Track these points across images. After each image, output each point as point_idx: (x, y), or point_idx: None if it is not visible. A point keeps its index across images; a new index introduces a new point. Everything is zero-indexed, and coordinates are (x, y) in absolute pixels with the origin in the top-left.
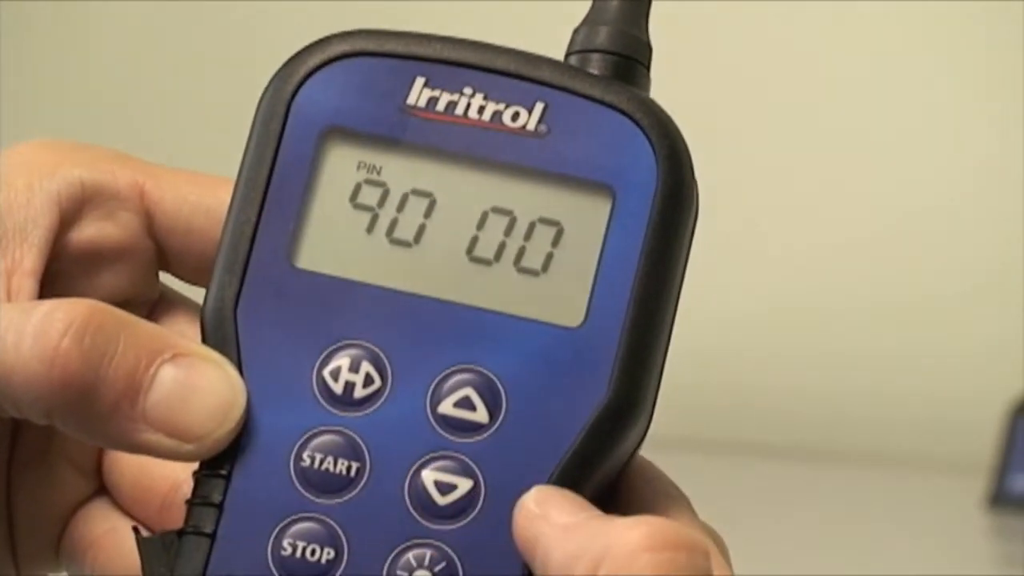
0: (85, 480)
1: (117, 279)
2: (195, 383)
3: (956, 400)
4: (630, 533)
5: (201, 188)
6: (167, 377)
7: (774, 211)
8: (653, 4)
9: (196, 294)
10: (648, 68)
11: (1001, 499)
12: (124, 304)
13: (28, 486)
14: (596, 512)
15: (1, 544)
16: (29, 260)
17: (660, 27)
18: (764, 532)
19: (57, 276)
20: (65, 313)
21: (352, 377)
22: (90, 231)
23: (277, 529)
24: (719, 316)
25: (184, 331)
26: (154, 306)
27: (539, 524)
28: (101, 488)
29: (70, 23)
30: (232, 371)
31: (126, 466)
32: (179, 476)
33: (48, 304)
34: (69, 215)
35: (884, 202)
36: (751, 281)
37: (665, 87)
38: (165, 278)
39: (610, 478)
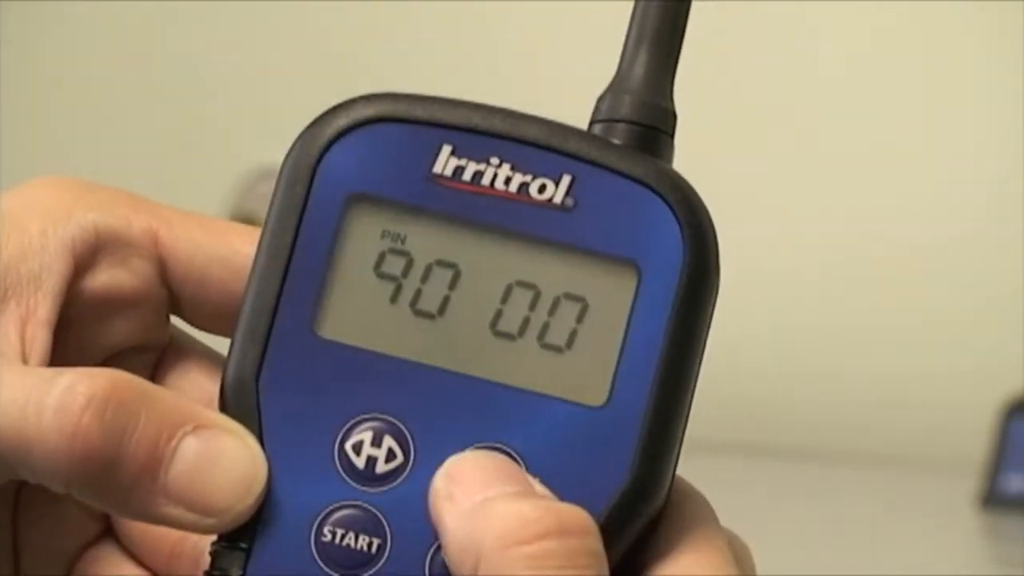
0: (93, 521)
1: (129, 326)
2: (216, 456)
3: (949, 400)
4: (501, 525)
5: (215, 236)
6: (188, 450)
7: (776, 232)
8: None
9: (205, 338)
10: (672, 136)
11: (994, 499)
12: (135, 350)
13: (36, 524)
14: (511, 485)
15: None
16: (43, 309)
17: None
18: (758, 531)
19: (70, 323)
20: (86, 387)
21: (374, 452)
22: (104, 278)
23: None
24: (726, 331)
25: (195, 377)
26: (164, 351)
27: (442, 506)
28: (109, 529)
29: (70, 23)
30: (253, 443)
31: None
32: None
33: (69, 376)
34: (83, 262)
35: (880, 211)
36: (757, 297)
37: None
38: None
39: (631, 545)
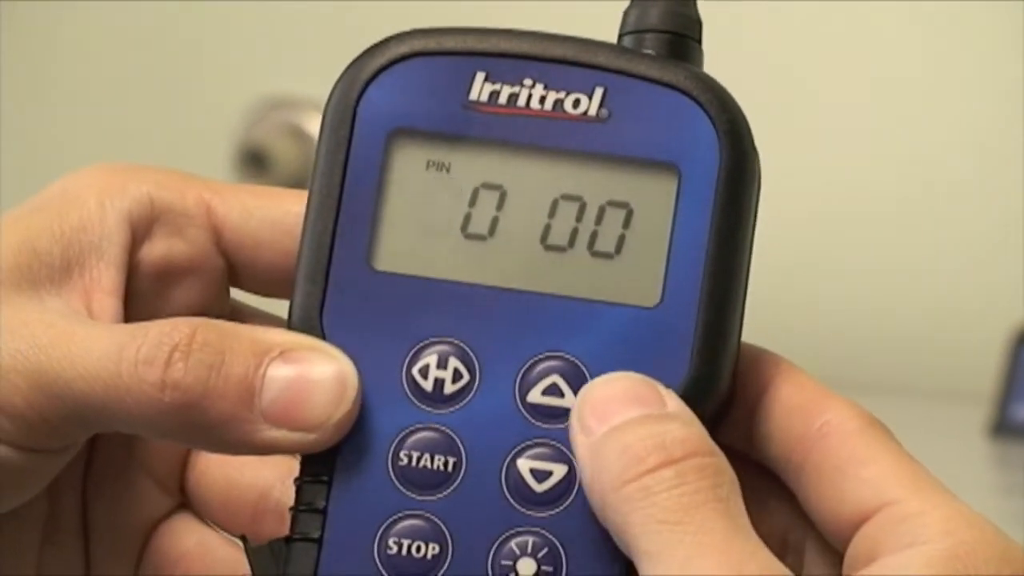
0: (167, 495)
1: (189, 295)
2: (306, 373)
3: (959, 329)
4: (616, 464)
5: (266, 201)
6: (278, 374)
7: (782, 167)
8: None
9: (263, 304)
10: (700, 43)
11: (1003, 428)
12: None
13: (106, 501)
14: (636, 409)
15: (76, 561)
16: (107, 278)
17: None
18: None
19: (131, 295)
20: (170, 337)
21: (441, 374)
22: (161, 248)
23: (381, 529)
24: None
25: None
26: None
27: (575, 438)
28: (183, 503)
29: (69, 23)
30: (337, 353)
31: (213, 481)
32: (266, 483)
33: (155, 328)
34: (140, 232)
35: (885, 144)
36: (761, 228)
37: None
38: (235, 293)
39: None
